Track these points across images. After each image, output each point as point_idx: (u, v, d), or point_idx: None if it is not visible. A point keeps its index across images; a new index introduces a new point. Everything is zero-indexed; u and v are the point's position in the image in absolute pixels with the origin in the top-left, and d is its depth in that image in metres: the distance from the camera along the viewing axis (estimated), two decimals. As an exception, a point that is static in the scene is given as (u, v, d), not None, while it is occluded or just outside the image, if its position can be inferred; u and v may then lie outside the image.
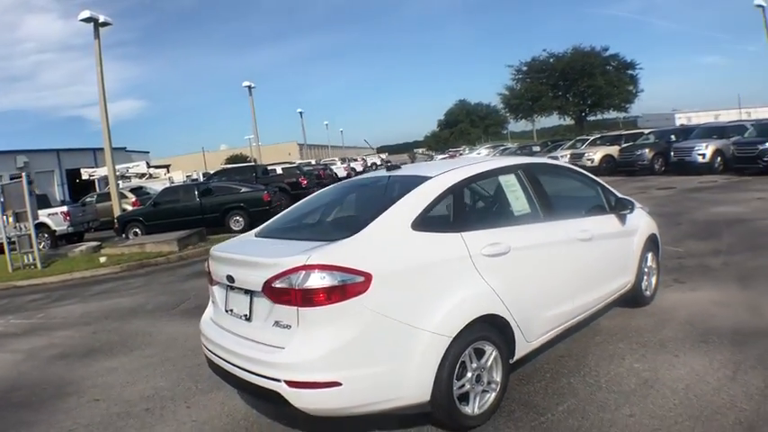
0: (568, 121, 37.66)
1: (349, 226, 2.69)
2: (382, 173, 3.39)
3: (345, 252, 2.37)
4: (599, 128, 36.09)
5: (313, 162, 35.26)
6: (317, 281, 2.25)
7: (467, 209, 3.19)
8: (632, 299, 4.05)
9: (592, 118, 38.30)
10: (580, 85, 33.59)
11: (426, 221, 2.63)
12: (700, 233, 6.95)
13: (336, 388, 2.25)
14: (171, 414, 3.16)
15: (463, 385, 2.53)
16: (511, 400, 2.84)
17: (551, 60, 34.74)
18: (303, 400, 2.29)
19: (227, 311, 2.79)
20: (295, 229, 3.21)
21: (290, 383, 2.27)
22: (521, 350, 2.86)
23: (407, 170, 3.35)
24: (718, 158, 14.78)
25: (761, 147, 13.03)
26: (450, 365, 2.42)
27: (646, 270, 4.14)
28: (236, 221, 12.51)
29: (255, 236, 3.16)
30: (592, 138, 23.28)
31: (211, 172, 24.34)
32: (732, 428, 2.39)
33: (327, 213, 3.41)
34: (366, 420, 2.51)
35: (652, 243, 4.25)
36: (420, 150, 61.72)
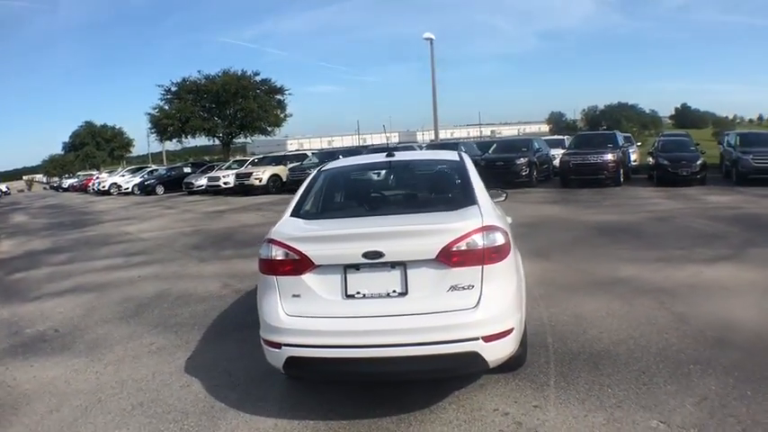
0: (218, 142, 39.02)
1: (449, 200, 3.24)
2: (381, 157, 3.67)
3: (494, 217, 2.85)
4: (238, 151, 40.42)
5: None
6: (499, 239, 2.67)
7: None
8: None
9: (240, 140, 41.12)
10: (232, 108, 35.48)
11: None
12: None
13: (511, 334, 2.64)
14: None
15: None
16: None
17: (203, 82, 35.62)
18: (493, 353, 2.57)
19: (345, 297, 2.64)
20: (375, 207, 3.37)
21: (486, 338, 2.53)
22: None
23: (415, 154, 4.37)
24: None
25: (308, 171, 16.53)
26: None
27: None
28: None
29: (315, 218, 3.13)
30: (252, 158, 25.20)
31: None
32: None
33: (385, 191, 3.67)
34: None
35: None
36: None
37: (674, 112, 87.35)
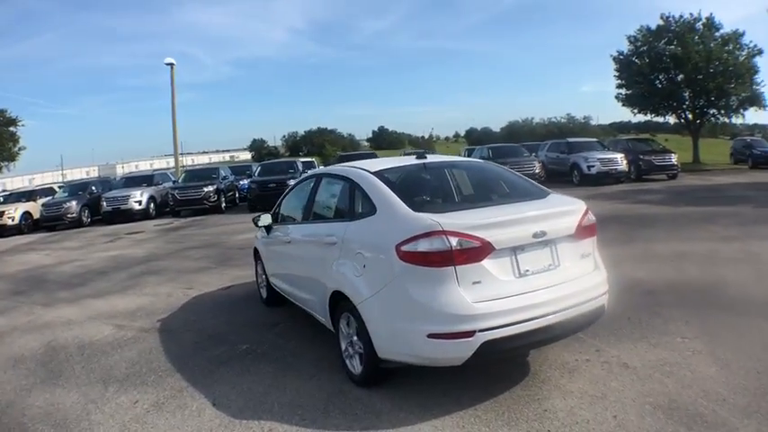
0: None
1: (527, 193, 3.57)
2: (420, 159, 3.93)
3: None
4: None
5: None
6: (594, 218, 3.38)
7: None
8: None
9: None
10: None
11: None
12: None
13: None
14: None
15: None
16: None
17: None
18: (606, 304, 3.31)
19: (519, 276, 2.95)
20: (479, 198, 3.73)
21: (605, 293, 3.28)
22: None
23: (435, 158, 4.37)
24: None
25: (65, 205, 16.48)
26: None
27: None
28: None
29: (439, 211, 3.09)
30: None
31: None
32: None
33: (477, 188, 3.95)
34: None
35: None
36: None
37: (371, 135, 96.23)
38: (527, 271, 2.98)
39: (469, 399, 3.10)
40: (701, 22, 26.88)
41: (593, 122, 62.74)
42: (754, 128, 48.85)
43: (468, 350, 2.77)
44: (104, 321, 5.64)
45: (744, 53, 26.12)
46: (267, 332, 4.80)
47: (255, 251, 5.94)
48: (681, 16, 27.19)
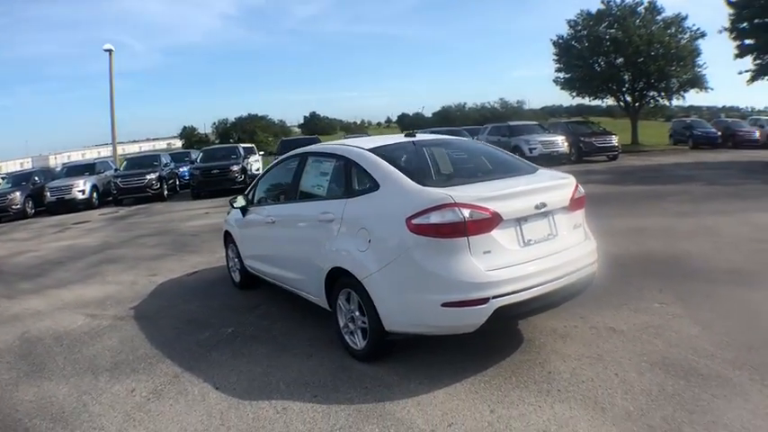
0: None
1: (511, 170, 3.69)
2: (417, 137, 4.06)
3: None
4: None
5: None
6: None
7: None
8: None
9: None
10: None
11: None
12: None
13: None
14: None
15: None
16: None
17: None
18: (595, 272, 3.55)
19: (523, 245, 3.11)
20: (476, 173, 3.79)
21: (594, 262, 3.52)
22: None
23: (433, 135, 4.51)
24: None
25: (9, 197, 15.70)
26: None
27: None
28: None
29: (442, 185, 3.20)
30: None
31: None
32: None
33: (471, 163, 4.07)
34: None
35: None
36: None
37: (302, 121, 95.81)
38: (530, 240, 3.14)
39: (474, 367, 3.22)
40: (642, 6, 28.15)
41: (526, 107, 65.00)
42: (689, 110, 52.12)
43: (482, 317, 2.88)
44: (75, 311, 5.35)
45: (686, 36, 27.58)
46: (248, 315, 4.72)
47: (226, 235, 5.77)
48: (623, 0, 28.38)
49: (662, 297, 4.24)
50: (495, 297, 2.87)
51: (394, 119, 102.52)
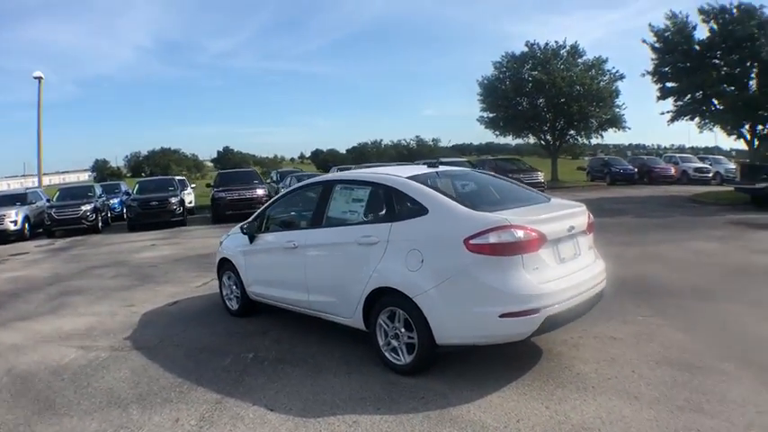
0: None
1: (532, 198, 4.31)
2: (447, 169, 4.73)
3: None
4: None
5: None
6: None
7: None
8: None
9: None
10: None
11: None
12: None
13: None
14: None
15: None
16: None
17: None
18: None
19: (559, 262, 3.65)
20: (507, 201, 4.13)
21: (605, 278, 4.15)
22: None
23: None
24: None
25: None
26: None
27: None
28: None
29: (489, 210, 3.67)
30: None
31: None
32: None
33: (493, 193, 4.46)
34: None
35: None
36: None
37: (216, 155, 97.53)
38: (564, 258, 3.68)
39: (510, 374, 3.68)
40: (564, 50, 31.23)
41: (442, 144, 69.47)
42: (596, 148, 57.81)
43: (534, 325, 3.35)
44: (60, 344, 5.10)
45: (606, 78, 30.81)
46: (262, 340, 4.83)
47: (222, 263, 5.83)
48: (546, 44, 31.38)
49: (641, 311, 5.00)
50: (545, 307, 3.36)
51: (307, 154, 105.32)
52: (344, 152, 77.58)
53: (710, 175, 25.48)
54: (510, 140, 35.61)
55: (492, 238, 3.37)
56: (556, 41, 31.37)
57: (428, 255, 3.59)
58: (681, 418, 2.98)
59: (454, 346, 3.57)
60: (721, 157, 32.23)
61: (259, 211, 5.45)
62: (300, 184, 5.28)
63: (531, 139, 35.21)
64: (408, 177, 4.09)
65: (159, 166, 65.40)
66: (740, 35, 18.81)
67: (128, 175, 65.72)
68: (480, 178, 4.89)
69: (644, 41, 22.11)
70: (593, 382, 3.51)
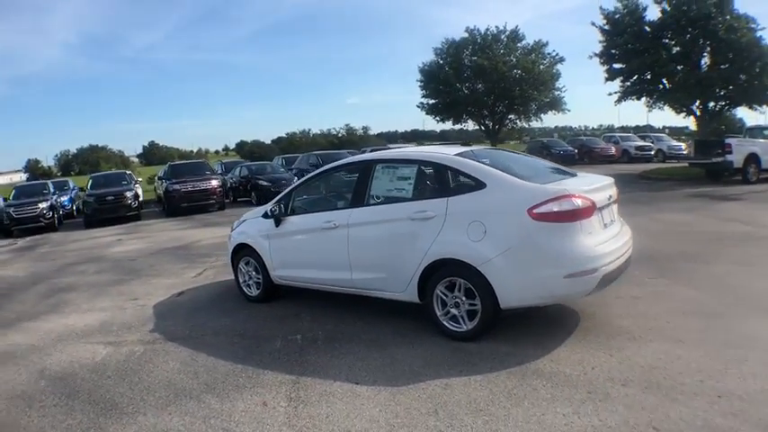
0: None
1: (566, 172, 4.75)
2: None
3: None
4: None
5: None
6: None
7: None
8: None
9: None
10: None
11: None
12: None
13: None
14: None
15: None
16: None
17: None
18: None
19: (604, 227, 4.15)
20: (548, 174, 4.59)
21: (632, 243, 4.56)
22: None
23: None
24: None
25: None
26: None
27: None
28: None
29: (537, 182, 4.12)
30: None
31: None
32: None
33: (531, 167, 4.71)
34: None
35: None
36: None
37: (141, 151, 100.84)
38: (606, 224, 4.15)
39: (561, 333, 4.12)
40: (505, 35, 32.46)
41: (372, 132, 71.39)
42: (521, 131, 59.40)
43: (593, 283, 3.80)
44: (83, 341, 4.98)
45: (546, 61, 32.26)
46: (298, 322, 4.94)
47: (238, 249, 5.85)
48: (487, 29, 32.48)
49: (647, 274, 5.64)
50: (601, 266, 3.83)
51: (232, 146, 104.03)
52: (269, 143, 78.24)
53: (653, 152, 27.30)
54: (438, 127, 36.82)
55: (555, 207, 3.77)
56: (496, 26, 32.73)
57: (491, 225, 3.93)
58: (727, 352, 3.57)
59: (515, 308, 3.96)
60: (663, 134, 34.69)
61: (283, 194, 5.52)
62: (330, 165, 5.40)
63: (471, 125, 36.51)
64: (458, 154, 4.41)
65: (89, 164, 66.01)
66: (695, 15, 19.62)
67: (58, 174, 65.45)
68: (511, 156, 5.30)
69: (593, 24, 22.68)
70: (638, 332, 4.04)
